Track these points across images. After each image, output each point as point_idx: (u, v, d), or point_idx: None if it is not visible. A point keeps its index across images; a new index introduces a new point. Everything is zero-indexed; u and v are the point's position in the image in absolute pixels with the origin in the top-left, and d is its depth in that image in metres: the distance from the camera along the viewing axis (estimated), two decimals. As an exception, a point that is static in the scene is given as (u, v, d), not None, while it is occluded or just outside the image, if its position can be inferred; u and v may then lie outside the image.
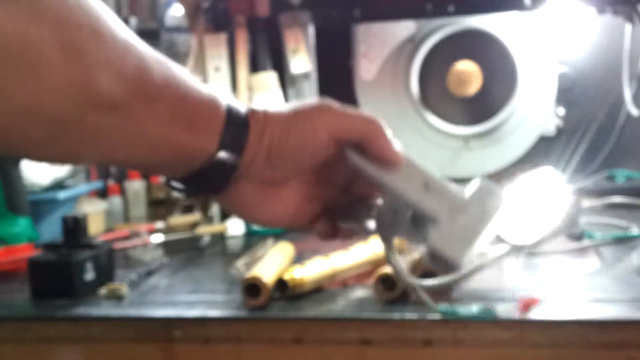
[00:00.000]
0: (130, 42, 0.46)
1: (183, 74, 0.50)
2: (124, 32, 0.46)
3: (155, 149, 0.50)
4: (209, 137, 0.52)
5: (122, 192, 1.48)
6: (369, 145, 0.53)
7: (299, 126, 0.54)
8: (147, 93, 0.47)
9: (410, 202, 0.52)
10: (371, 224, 0.56)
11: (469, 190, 0.53)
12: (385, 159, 0.53)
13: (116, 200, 1.46)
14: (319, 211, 0.58)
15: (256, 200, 0.56)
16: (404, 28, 1.48)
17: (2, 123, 0.42)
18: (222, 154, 0.52)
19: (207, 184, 0.54)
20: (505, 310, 0.76)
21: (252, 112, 0.55)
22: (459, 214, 0.51)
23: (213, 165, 0.52)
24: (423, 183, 0.52)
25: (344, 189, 0.58)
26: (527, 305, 0.75)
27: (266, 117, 0.55)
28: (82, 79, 0.43)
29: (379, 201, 0.56)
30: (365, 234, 0.57)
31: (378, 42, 1.50)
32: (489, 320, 0.75)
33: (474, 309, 0.75)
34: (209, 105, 0.52)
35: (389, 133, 0.54)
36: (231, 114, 0.53)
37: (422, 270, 0.84)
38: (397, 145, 0.54)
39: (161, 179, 0.57)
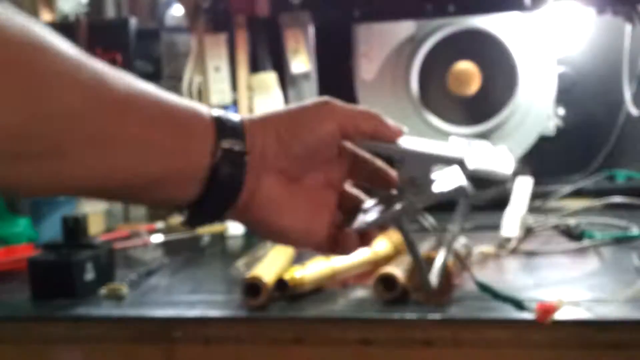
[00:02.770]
0: (82, 58, 0.45)
1: (152, 87, 0.49)
2: (74, 50, 0.45)
3: (141, 156, 0.47)
4: (201, 136, 0.49)
5: (122, 192, 1.48)
6: (382, 137, 0.54)
7: (309, 115, 0.53)
8: (111, 100, 0.45)
9: (435, 156, 0.54)
10: (383, 213, 0.55)
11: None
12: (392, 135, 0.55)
13: (116, 200, 1.46)
14: (329, 220, 0.56)
15: (283, 199, 0.53)
16: (404, 28, 1.48)
17: None
18: (225, 143, 0.50)
19: (225, 187, 0.50)
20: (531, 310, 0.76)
21: (245, 118, 0.54)
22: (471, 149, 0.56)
23: (221, 159, 0.49)
24: (428, 142, 0.55)
25: (341, 193, 0.58)
26: (546, 312, 0.74)
27: (265, 116, 0.54)
28: (34, 92, 0.41)
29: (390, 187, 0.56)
30: (387, 221, 0.55)
31: (378, 42, 1.50)
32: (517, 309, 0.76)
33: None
34: (191, 108, 0.50)
35: (392, 121, 0.55)
36: (219, 116, 0.51)
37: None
38: (404, 128, 0.55)
39: (182, 218, 0.54)
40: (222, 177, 0.50)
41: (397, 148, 0.54)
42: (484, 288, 0.79)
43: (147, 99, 0.48)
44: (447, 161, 0.54)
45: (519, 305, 0.76)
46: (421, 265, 0.55)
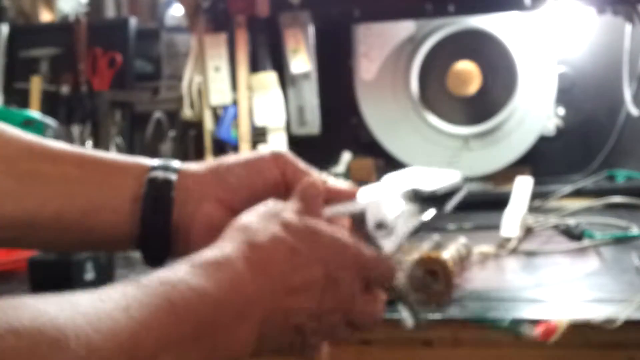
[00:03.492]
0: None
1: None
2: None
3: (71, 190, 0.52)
4: (133, 171, 0.54)
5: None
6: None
7: (251, 158, 0.56)
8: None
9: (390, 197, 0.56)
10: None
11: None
12: (348, 196, 0.55)
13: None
14: None
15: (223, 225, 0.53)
16: (404, 28, 1.48)
17: None
18: (154, 174, 0.54)
19: (156, 209, 0.53)
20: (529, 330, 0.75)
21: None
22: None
23: (149, 186, 0.53)
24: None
25: None
26: (548, 333, 0.73)
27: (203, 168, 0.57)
28: None
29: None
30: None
31: (378, 42, 1.50)
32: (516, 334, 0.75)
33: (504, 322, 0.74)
34: (127, 159, 0.55)
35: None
36: (157, 165, 0.55)
37: (422, 269, 0.84)
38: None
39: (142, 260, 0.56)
40: (150, 201, 0.53)
41: (353, 207, 0.55)
42: (481, 320, 0.78)
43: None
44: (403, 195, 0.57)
45: (517, 331, 0.75)
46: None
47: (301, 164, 0.57)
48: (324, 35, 1.45)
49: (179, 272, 0.44)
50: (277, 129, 1.38)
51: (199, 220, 0.54)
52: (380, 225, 0.55)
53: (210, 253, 0.46)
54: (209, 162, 0.56)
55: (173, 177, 0.54)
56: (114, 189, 0.53)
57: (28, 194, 0.51)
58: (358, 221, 0.54)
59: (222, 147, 1.39)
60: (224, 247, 0.47)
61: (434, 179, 0.60)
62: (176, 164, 0.56)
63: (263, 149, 0.52)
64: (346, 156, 1.48)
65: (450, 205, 0.60)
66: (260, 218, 0.49)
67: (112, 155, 0.55)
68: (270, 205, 0.51)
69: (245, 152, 0.58)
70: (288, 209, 0.50)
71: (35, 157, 0.52)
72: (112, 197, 0.53)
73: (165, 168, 0.55)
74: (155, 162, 0.55)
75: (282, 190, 0.55)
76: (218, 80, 1.38)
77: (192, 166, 0.56)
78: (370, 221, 0.54)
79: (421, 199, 0.56)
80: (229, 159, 0.57)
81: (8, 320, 0.34)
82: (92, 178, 0.52)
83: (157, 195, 0.53)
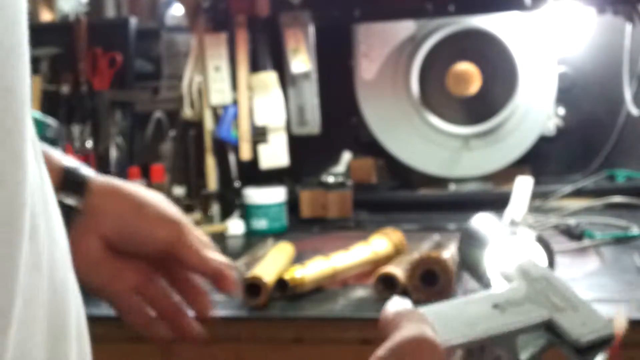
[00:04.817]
0: None
1: None
2: None
3: None
4: None
5: (122, 192, 1.48)
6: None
7: (153, 213, 0.60)
8: None
9: (513, 330, 0.46)
10: None
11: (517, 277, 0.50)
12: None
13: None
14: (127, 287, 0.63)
15: (98, 257, 0.59)
16: (404, 28, 1.48)
17: None
18: (61, 196, 0.56)
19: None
20: None
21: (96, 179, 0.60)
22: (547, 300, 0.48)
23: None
24: (494, 307, 0.47)
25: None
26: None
27: (119, 188, 0.60)
28: None
29: None
30: None
31: (378, 42, 1.50)
32: None
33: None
34: (47, 155, 0.53)
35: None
36: (70, 168, 0.58)
37: (422, 269, 0.84)
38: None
39: None
40: None
41: (479, 337, 0.45)
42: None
43: None
44: (534, 329, 0.47)
45: None
46: None
47: (199, 240, 0.61)
48: (324, 35, 1.45)
49: None
50: (277, 129, 1.38)
51: (79, 250, 0.55)
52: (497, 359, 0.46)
53: None
54: (123, 194, 0.60)
55: (75, 204, 0.58)
56: None
57: None
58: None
59: (222, 146, 1.39)
60: None
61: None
62: (85, 182, 0.59)
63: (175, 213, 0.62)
64: (346, 156, 1.49)
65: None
66: None
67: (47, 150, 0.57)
68: None
69: (152, 199, 0.62)
70: None
71: None
72: None
73: (76, 187, 0.58)
74: (68, 172, 0.58)
75: (169, 256, 0.60)
76: (218, 80, 1.38)
77: (102, 195, 0.59)
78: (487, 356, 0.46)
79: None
80: (141, 206, 0.60)
81: None
82: None
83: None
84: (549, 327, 0.46)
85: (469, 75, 1.44)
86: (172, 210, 0.62)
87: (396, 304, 0.44)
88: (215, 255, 0.63)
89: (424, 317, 0.43)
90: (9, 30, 0.29)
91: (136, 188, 0.62)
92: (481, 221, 0.80)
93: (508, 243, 0.70)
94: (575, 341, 0.45)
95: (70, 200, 0.57)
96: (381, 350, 0.40)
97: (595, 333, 0.45)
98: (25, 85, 0.31)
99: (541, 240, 0.76)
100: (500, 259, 0.58)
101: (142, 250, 0.61)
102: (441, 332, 0.43)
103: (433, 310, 0.45)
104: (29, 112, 0.32)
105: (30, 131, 0.34)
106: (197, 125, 1.41)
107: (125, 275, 0.62)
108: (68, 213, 0.55)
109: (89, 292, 0.58)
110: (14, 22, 0.29)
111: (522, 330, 0.46)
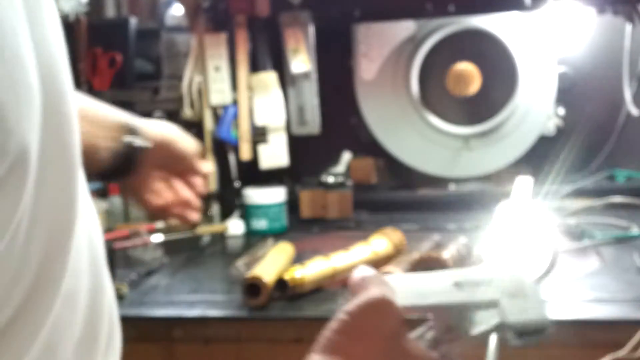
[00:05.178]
0: None
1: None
2: None
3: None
4: (114, 130, 0.82)
5: (122, 192, 1.48)
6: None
7: (165, 141, 0.90)
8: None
9: (469, 303, 0.51)
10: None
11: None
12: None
13: (116, 200, 1.46)
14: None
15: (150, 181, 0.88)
16: (404, 28, 1.48)
17: None
18: (128, 139, 0.82)
19: (125, 163, 0.82)
20: None
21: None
22: (504, 286, 0.52)
23: (124, 148, 0.81)
24: (454, 284, 0.52)
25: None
26: None
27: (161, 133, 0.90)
28: None
29: (428, 333, 0.53)
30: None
31: (378, 42, 1.50)
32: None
33: None
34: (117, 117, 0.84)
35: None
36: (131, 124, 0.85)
37: (422, 269, 0.84)
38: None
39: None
40: (122, 157, 0.82)
41: (431, 303, 0.51)
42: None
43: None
44: (481, 306, 0.51)
45: None
46: None
47: (185, 146, 0.91)
48: (324, 35, 1.45)
49: None
50: (277, 129, 1.38)
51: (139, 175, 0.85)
52: (448, 329, 0.51)
53: None
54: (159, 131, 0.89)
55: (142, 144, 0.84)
56: (99, 141, 0.80)
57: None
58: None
59: (222, 146, 1.39)
60: None
61: (527, 300, 0.51)
62: (141, 138, 0.84)
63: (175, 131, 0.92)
64: (346, 156, 1.49)
65: (524, 342, 0.50)
66: None
67: (100, 109, 0.84)
68: None
69: (161, 127, 0.91)
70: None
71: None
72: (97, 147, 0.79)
73: (137, 132, 0.84)
74: (130, 125, 0.84)
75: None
76: (218, 80, 1.38)
77: (149, 135, 0.86)
78: (439, 324, 0.52)
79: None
80: (162, 133, 0.89)
81: None
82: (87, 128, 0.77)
83: (128, 155, 0.82)
84: (497, 308, 0.51)
85: (468, 75, 1.44)
86: (188, 140, 0.91)
87: (363, 270, 0.52)
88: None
89: (386, 282, 0.51)
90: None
91: (160, 128, 0.89)
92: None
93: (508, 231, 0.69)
94: (511, 323, 0.49)
95: (139, 142, 0.83)
96: (349, 306, 0.49)
97: (530, 320, 0.49)
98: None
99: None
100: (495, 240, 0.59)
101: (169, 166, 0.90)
102: (400, 297, 0.49)
103: (397, 278, 0.53)
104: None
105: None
106: (197, 125, 1.41)
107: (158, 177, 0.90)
108: (137, 151, 0.83)
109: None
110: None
111: (471, 305, 0.51)
